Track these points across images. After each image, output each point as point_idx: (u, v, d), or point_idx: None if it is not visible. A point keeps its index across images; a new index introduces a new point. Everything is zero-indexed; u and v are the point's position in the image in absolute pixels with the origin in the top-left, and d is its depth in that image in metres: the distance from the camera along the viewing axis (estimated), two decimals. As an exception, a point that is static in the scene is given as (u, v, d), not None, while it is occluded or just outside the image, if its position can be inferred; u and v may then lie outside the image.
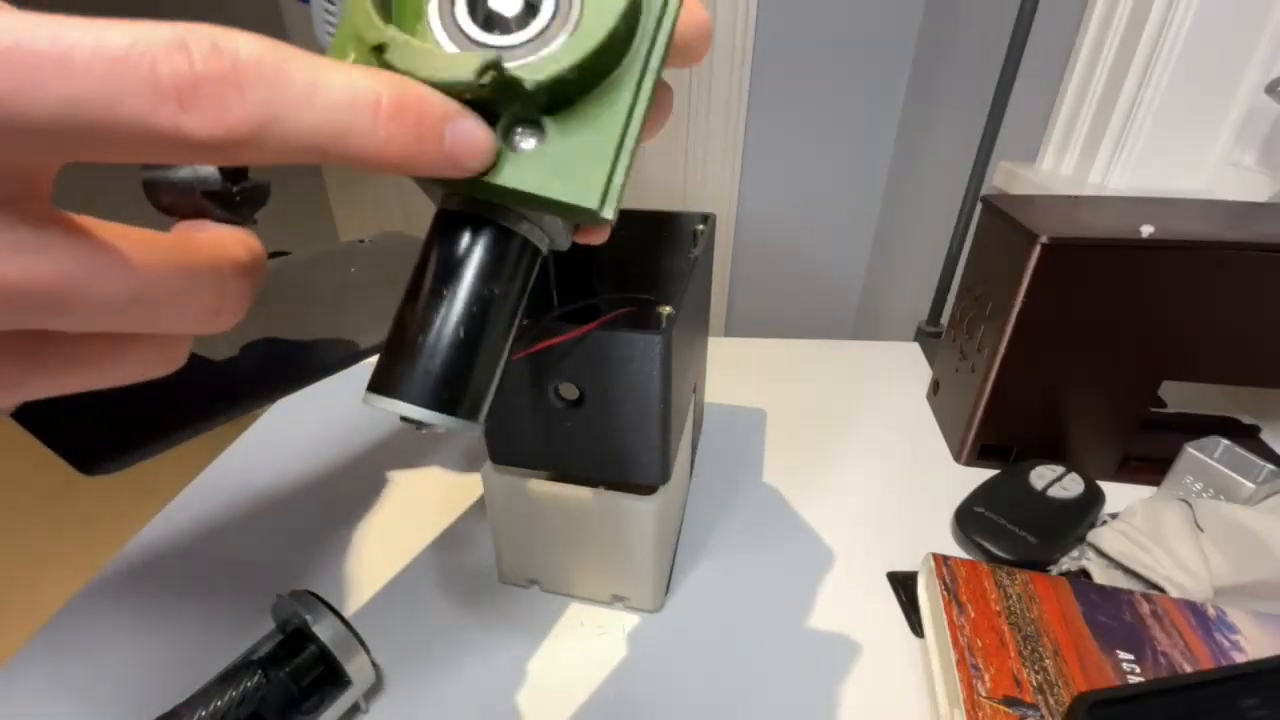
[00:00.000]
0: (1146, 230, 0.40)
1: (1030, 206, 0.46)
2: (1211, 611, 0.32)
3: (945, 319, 0.67)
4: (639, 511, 0.32)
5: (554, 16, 0.15)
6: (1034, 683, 0.28)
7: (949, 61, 1.12)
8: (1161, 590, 0.35)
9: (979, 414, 0.46)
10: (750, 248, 1.52)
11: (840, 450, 0.50)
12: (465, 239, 0.16)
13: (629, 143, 0.15)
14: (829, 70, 1.30)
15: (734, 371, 0.60)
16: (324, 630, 0.27)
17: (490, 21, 0.15)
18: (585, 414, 0.29)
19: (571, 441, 0.31)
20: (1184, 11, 0.58)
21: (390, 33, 0.14)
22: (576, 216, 0.16)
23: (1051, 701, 0.27)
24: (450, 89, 0.14)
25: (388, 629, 0.34)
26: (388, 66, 0.14)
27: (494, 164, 0.15)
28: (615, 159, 0.15)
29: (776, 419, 0.54)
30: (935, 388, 0.56)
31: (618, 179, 0.15)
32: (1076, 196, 0.53)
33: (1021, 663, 0.29)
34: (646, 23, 0.16)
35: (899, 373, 0.61)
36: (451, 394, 0.15)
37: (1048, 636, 0.30)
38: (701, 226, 0.42)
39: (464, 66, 0.14)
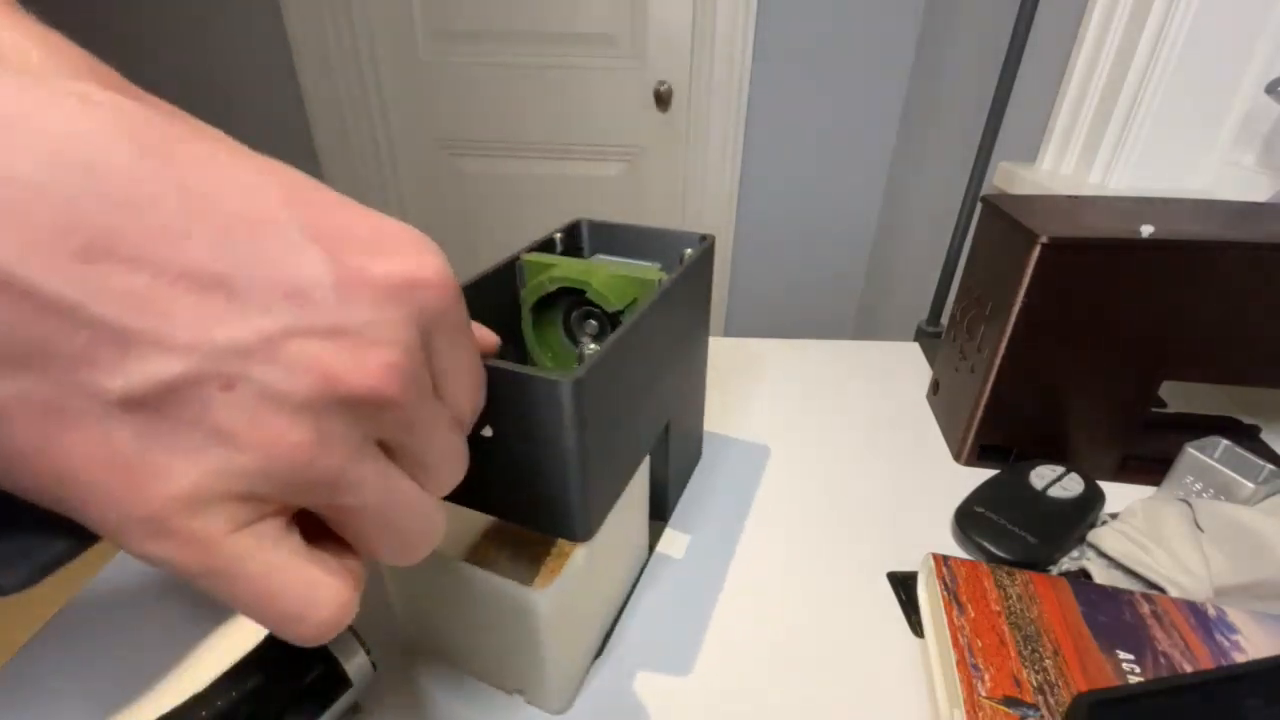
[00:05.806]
0: (1146, 230, 0.40)
1: (1030, 206, 0.46)
2: (1211, 611, 0.32)
3: (945, 319, 0.67)
4: (526, 606, 0.26)
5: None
6: (1034, 683, 0.28)
7: (949, 61, 1.12)
8: (1162, 590, 0.35)
9: (979, 414, 0.46)
10: (750, 248, 1.52)
11: (840, 450, 0.50)
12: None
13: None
14: (829, 70, 1.30)
15: (734, 371, 0.60)
16: (324, 630, 0.27)
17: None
18: (498, 454, 0.26)
19: (489, 480, 0.27)
20: (1184, 11, 0.58)
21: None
22: None
23: (1051, 701, 0.27)
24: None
25: (388, 629, 0.34)
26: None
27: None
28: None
29: (776, 419, 0.54)
30: (935, 388, 0.56)
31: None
32: (1076, 196, 0.53)
33: (1021, 663, 0.29)
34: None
35: (899, 373, 0.61)
36: None
37: (1048, 636, 0.30)
38: (689, 251, 0.37)
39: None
